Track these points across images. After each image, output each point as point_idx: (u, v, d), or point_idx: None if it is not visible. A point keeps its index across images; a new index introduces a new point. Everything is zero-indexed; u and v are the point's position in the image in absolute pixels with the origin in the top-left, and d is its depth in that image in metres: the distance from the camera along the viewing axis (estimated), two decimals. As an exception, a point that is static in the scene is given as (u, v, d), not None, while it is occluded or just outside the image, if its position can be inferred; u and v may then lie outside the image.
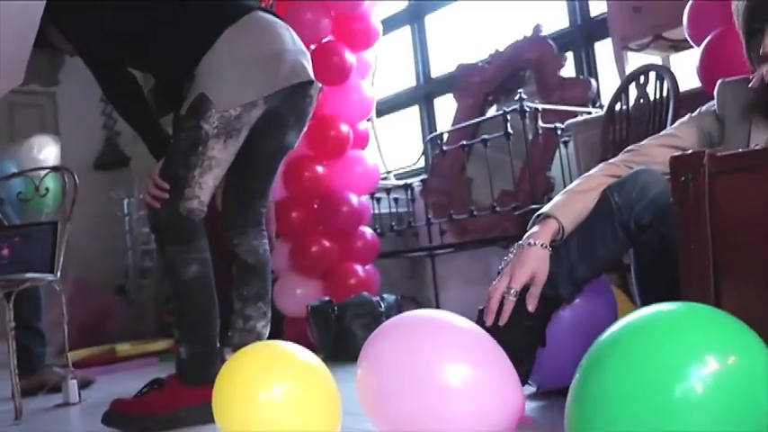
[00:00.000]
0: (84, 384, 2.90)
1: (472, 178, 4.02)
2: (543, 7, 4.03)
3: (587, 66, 3.77)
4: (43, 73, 5.53)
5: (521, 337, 1.35)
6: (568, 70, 3.72)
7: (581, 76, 3.69)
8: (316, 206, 3.55)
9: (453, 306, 4.22)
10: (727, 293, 1.08)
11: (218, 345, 2.04)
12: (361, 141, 3.69)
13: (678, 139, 1.44)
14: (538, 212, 1.44)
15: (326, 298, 3.24)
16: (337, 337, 3.02)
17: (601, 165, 1.49)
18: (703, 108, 1.46)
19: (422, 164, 4.52)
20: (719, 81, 1.44)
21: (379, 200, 4.08)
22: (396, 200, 4.14)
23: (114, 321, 5.13)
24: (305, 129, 2.23)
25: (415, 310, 1.31)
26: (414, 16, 4.69)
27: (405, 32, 4.76)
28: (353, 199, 3.51)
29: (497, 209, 3.33)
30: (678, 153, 1.20)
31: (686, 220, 1.12)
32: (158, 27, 2.05)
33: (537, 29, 3.82)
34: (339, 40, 3.51)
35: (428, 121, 4.62)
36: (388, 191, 3.99)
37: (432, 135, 3.91)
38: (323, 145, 3.52)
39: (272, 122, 2.10)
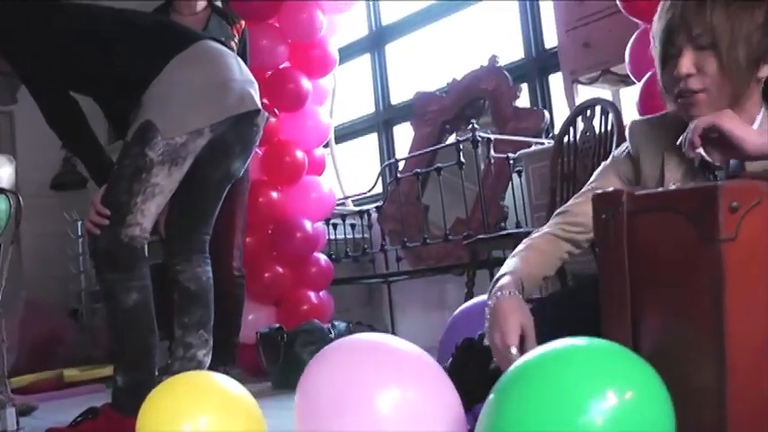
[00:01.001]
0: (24, 411, 2.83)
1: (428, 205, 4.05)
2: (500, 38, 4.10)
3: (541, 97, 3.83)
4: (0, 92, 5.47)
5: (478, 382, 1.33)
6: (523, 101, 3.78)
7: (535, 107, 3.75)
8: (270, 232, 3.54)
9: (409, 332, 4.25)
10: (645, 330, 1.09)
11: (157, 373, 2.02)
12: (317, 167, 3.70)
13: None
14: (497, 275, 1.37)
15: (276, 325, 3.22)
16: (286, 364, 3.00)
17: (538, 234, 1.44)
18: (616, 152, 1.46)
19: (380, 190, 4.54)
20: (631, 121, 1.44)
21: (335, 226, 4.08)
22: (353, 226, 4.15)
23: (66, 346, 5.02)
24: (251, 157, 2.24)
25: (358, 334, 1.30)
26: (374, 44, 4.73)
27: (365, 60, 4.80)
28: (308, 225, 3.51)
29: (450, 237, 3.35)
30: None
31: (606, 257, 1.13)
32: (106, 54, 2.05)
33: (493, 59, 3.88)
34: (296, 67, 3.53)
35: (387, 147, 4.65)
36: (343, 217, 4.00)
37: (387, 163, 3.93)
38: (278, 171, 3.52)
39: (218, 150, 2.10)
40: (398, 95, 4.65)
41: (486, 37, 4.21)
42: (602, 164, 1.47)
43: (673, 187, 1.19)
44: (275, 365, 3.07)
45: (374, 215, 4.11)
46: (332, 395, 1.07)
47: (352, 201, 4.56)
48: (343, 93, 4.66)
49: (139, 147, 1.95)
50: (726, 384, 0.95)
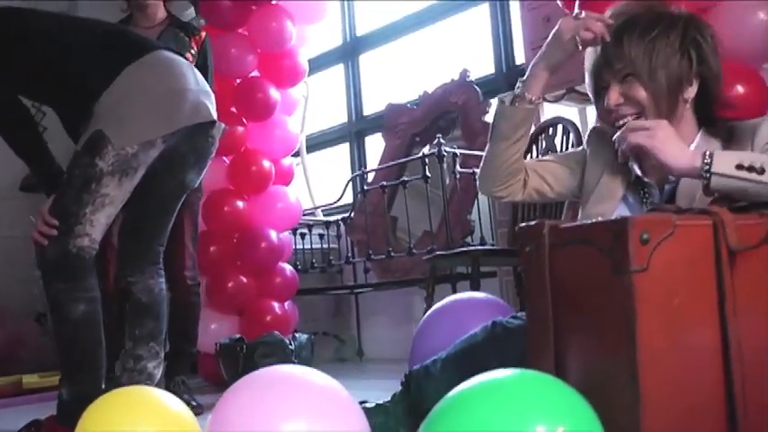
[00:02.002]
0: (-24, 419, 2.79)
1: (397, 217, 4.04)
2: (472, 52, 4.11)
3: (511, 112, 3.84)
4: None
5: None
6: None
7: (503, 123, 3.76)
8: (235, 241, 3.51)
9: (376, 343, 4.24)
10: (567, 360, 1.10)
11: (104, 386, 1.99)
12: (285, 177, 3.69)
13: (548, 162, 1.57)
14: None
15: (237, 336, 3.20)
16: (245, 375, 2.97)
17: None
18: (578, 147, 1.56)
19: (351, 200, 4.53)
20: (591, 128, 1.52)
21: (303, 236, 4.07)
22: (321, 236, 4.14)
23: (30, 351, 4.96)
24: (206, 169, 2.22)
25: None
26: (348, 54, 4.73)
27: (338, 70, 4.79)
28: (273, 235, 3.49)
29: (413, 251, 3.35)
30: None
31: (530, 289, 1.15)
32: (60, 61, 2.03)
33: (464, 74, 3.89)
34: (265, 77, 3.52)
35: (358, 158, 4.65)
36: (310, 227, 3.98)
37: (353, 174, 3.92)
38: (244, 180, 3.50)
39: (172, 161, 2.08)
40: (371, 106, 4.65)
41: (459, 51, 4.23)
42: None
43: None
44: (235, 376, 3.03)
45: (343, 226, 4.11)
46: (242, 424, 1.07)
47: (322, 211, 4.55)
48: (316, 102, 4.66)
49: (89, 157, 1.93)
50: (639, 415, 0.96)
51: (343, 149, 4.77)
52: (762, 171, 1.16)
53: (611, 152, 1.42)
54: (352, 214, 4.07)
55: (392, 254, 3.50)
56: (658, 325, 0.98)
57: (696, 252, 1.03)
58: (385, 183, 3.58)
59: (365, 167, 4.48)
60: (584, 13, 1.35)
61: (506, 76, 3.85)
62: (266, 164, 3.51)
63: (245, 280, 3.47)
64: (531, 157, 2.78)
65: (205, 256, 3.47)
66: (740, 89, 2.01)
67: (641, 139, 1.23)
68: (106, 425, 1.36)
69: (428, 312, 1.80)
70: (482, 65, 4.02)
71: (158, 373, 2.14)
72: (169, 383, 2.73)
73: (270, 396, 1.12)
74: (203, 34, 2.82)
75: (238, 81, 3.51)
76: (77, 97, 2.02)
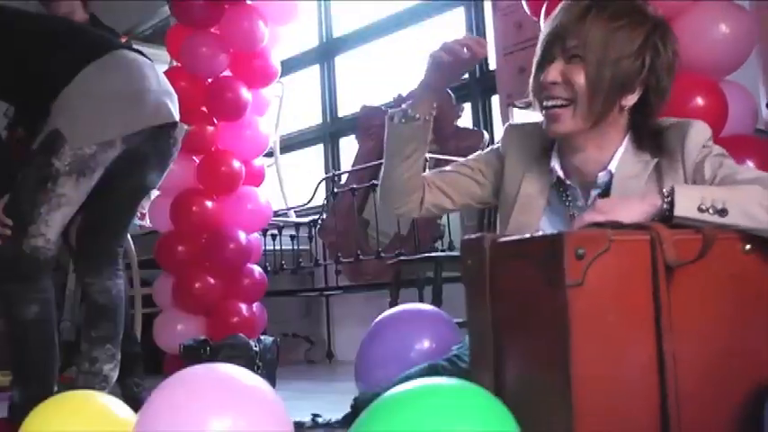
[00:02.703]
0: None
1: (369, 220, 4.04)
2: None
3: (483, 117, 3.86)
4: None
5: None
6: (466, 120, 3.80)
7: (476, 128, 3.77)
8: (203, 242, 3.48)
9: (346, 346, 4.23)
10: (506, 373, 1.09)
11: (56, 388, 1.97)
12: (256, 178, 3.66)
13: (465, 168, 1.49)
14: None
15: (202, 337, 3.17)
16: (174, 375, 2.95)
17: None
18: (493, 146, 1.49)
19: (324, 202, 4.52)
20: (507, 124, 1.47)
21: (274, 237, 4.05)
22: (292, 237, 4.12)
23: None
24: (167, 170, 2.20)
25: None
26: (324, 55, 4.72)
27: (314, 71, 4.78)
28: (242, 236, 3.46)
29: (381, 255, 3.35)
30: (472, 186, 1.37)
31: (471, 303, 1.15)
32: (19, 57, 2.00)
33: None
34: (236, 76, 3.49)
35: (332, 159, 4.64)
36: (280, 229, 3.97)
37: (324, 177, 3.91)
38: (214, 180, 3.46)
39: (133, 162, 2.06)
40: (346, 108, 4.64)
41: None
42: (479, 152, 1.52)
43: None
44: (198, 378, 3.02)
45: (316, 227, 4.10)
46: (167, 424, 1.06)
47: (295, 212, 4.53)
48: (292, 102, 4.64)
49: (45, 156, 1.91)
50: (573, 429, 0.95)
51: (318, 150, 4.76)
52: (723, 212, 1.11)
53: (530, 149, 1.39)
54: (324, 216, 4.06)
55: (360, 257, 3.49)
56: (593, 340, 0.98)
57: (633, 267, 1.03)
58: (355, 186, 3.57)
59: (339, 169, 4.47)
60: (461, 36, 1.30)
61: (480, 81, 3.86)
62: (236, 164, 3.47)
63: (212, 281, 3.44)
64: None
65: (172, 257, 3.45)
66: (700, 101, 2.02)
67: (590, 218, 1.13)
68: (47, 429, 1.34)
69: (373, 323, 1.79)
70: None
71: (115, 375, 2.13)
72: (125, 386, 2.69)
73: (195, 395, 1.10)
74: (124, 39, 2.79)
75: (209, 80, 3.47)
76: (36, 96, 2.00)
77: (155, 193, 3.50)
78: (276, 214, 4.65)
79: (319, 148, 4.75)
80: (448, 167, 1.51)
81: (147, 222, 3.98)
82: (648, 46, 1.25)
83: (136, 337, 3.05)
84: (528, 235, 1.08)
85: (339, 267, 3.88)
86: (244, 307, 3.51)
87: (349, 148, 4.55)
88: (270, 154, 4.64)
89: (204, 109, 3.48)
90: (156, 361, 3.58)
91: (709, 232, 1.06)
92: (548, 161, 1.36)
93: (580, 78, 1.22)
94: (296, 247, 4.08)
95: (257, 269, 3.66)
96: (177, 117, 2.11)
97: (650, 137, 1.31)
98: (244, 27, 3.34)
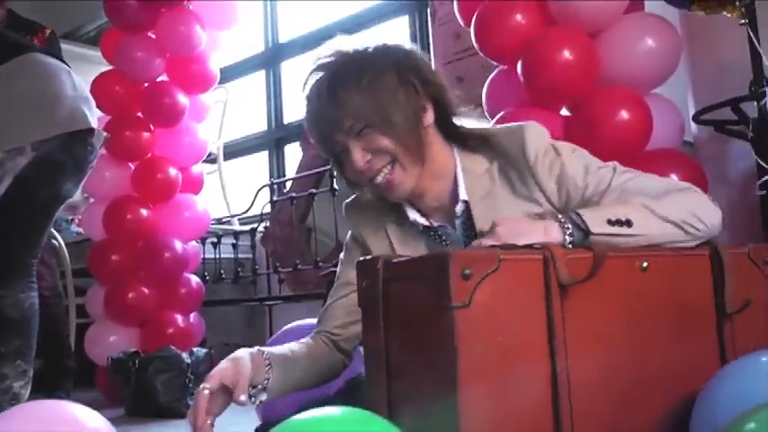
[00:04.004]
0: None
1: (312, 228, 3.98)
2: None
3: (427, 126, 3.83)
4: None
5: None
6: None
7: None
8: (138, 250, 3.39)
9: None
10: (401, 399, 1.06)
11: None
12: (194, 185, 3.58)
13: (348, 286, 1.35)
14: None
15: (132, 349, 3.09)
16: (138, 391, 2.87)
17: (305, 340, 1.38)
18: (347, 240, 1.41)
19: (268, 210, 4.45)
20: (346, 204, 1.40)
21: (215, 245, 3.97)
22: (234, 246, 4.05)
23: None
24: (84, 179, 2.12)
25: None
26: (269, 61, 4.66)
27: (260, 76, 4.72)
28: (178, 245, 3.38)
29: (319, 264, 3.30)
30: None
31: (366, 324, 1.11)
32: None
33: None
34: (173, 82, 3.42)
35: (277, 166, 4.57)
36: (219, 237, 3.89)
37: (263, 185, 3.85)
38: (149, 187, 3.38)
39: (46, 169, 1.98)
40: (292, 114, 4.58)
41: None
42: (340, 256, 1.43)
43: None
44: (127, 392, 2.93)
45: (258, 235, 4.02)
46: None
47: (239, 220, 4.45)
48: (236, 108, 4.57)
49: (-51, 163, 1.82)
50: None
51: (263, 157, 4.69)
52: (629, 223, 1.10)
53: (379, 212, 1.34)
54: (266, 224, 4.00)
55: (299, 266, 3.44)
56: (482, 362, 0.95)
57: (525, 287, 1.00)
58: (294, 194, 3.52)
59: (284, 176, 4.41)
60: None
61: (423, 90, 3.83)
62: (173, 171, 3.40)
63: (146, 291, 3.35)
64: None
65: (105, 266, 3.35)
66: (624, 115, 2.03)
67: (489, 242, 1.08)
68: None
69: (271, 338, 1.75)
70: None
71: (26, 393, 2.03)
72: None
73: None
74: (48, 31, 2.70)
75: (145, 85, 3.39)
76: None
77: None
78: (219, 222, 4.58)
79: (264, 154, 4.68)
80: (329, 300, 1.40)
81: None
82: (404, 70, 1.22)
83: (70, 349, 2.95)
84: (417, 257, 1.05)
85: (282, 276, 3.82)
86: (180, 317, 3.43)
87: (295, 155, 4.50)
88: (213, 160, 4.57)
89: (140, 114, 3.40)
90: (90, 374, 3.48)
91: (600, 250, 1.03)
92: (405, 215, 1.31)
93: (383, 141, 1.19)
94: (239, 256, 4.00)
95: (194, 278, 3.58)
96: (94, 123, 2.03)
97: (478, 145, 1.28)
98: (180, 31, 3.27)
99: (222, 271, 3.90)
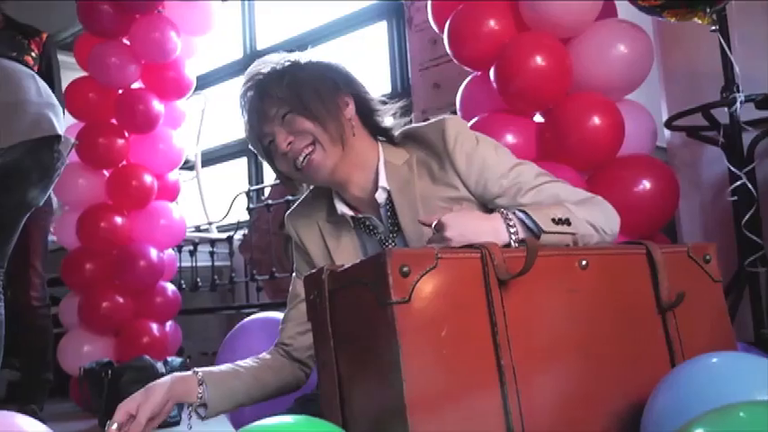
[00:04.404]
0: None
1: (289, 236, 3.95)
2: (371, 70, 4.08)
3: (405, 132, 3.82)
4: None
5: None
6: (388, 135, 3.75)
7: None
8: (113, 259, 3.35)
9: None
10: (353, 406, 1.04)
11: None
12: (170, 193, 3.55)
13: (297, 297, 1.39)
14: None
15: (105, 359, 3.04)
16: (111, 402, 2.82)
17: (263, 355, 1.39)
18: (295, 254, 1.44)
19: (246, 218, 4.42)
20: (287, 215, 1.44)
21: (192, 253, 3.93)
22: (212, 254, 4.01)
23: None
24: (52, 186, 2.09)
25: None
26: (248, 68, 4.62)
27: (238, 83, 4.67)
28: (153, 253, 3.35)
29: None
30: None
31: (316, 335, 1.10)
32: None
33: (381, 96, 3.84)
34: (149, 88, 3.39)
35: (256, 174, 4.54)
36: (195, 245, 3.85)
37: (240, 192, 3.82)
38: (124, 195, 3.35)
39: (11, 177, 1.95)
40: (270, 121, 4.55)
41: (358, 68, 4.18)
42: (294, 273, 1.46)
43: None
44: (99, 403, 2.89)
45: (236, 243, 3.99)
46: None
47: (217, 227, 4.42)
48: (215, 115, 4.54)
49: None
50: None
51: (242, 164, 4.66)
52: (568, 222, 1.14)
53: (314, 217, 1.38)
54: (245, 232, 3.96)
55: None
56: (425, 356, 0.94)
57: (465, 283, 0.99)
58: (271, 201, 3.49)
59: (263, 183, 4.38)
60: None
61: (401, 96, 3.82)
62: (148, 178, 3.36)
63: (121, 300, 3.31)
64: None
65: (79, 275, 3.31)
66: (597, 121, 2.02)
67: (452, 233, 1.09)
68: None
69: (228, 334, 1.75)
70: (380, 83, 3.98)
71: (-10, 403, 2.00)
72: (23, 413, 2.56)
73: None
74: (45, 35, 2.68)
75: (120, 91, 3.36)
76: None
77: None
78: (198, 229, 4.55)
79: (243, 161, 4.65)
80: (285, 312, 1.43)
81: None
82: (326, 74, 1.29)
83: (49, 362, 2.89)
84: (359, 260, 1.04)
85: (260, 284, 3.79)
86: (155, 326, 3.40)
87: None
88: (191, 168, 4.54)
89: (114, 121, 3.36)
90: (64, 385, 3.44)
91: (532, 243, 1.03)
92: (335, 209, 1.35)
93: (305, 123, 1.25)
94: (217, 264, 3.97)
95: (171, 287, 3.54)
96: (61, 130, 2.00)
97: (403, 140, 1.33)
98: (155, 37, 3.24)
99: (198, 279, 3.86)
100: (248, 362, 1.36)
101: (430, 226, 1.12)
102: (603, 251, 1.13)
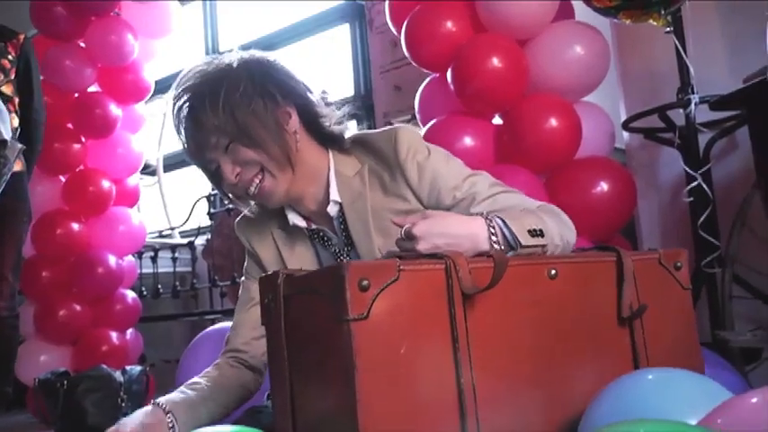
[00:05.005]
0: None
1: (253, 241, 3.91)
2: (334, 73, 4.06)
3: (369, 135, 3.80)
4: None
5: None
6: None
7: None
8: (70, 266, 3.27)
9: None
10: (301, 411, 1.01)
11: None
12: (129, 198, 3.48)
13: (250, 301, 1.35)
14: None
15: (61, 369, 2.97)
16: (67, 413, 2.75)
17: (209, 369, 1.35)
18: (246, 264, 1.41)
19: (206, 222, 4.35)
20: (236, 223, 1.40)
21: (153, 259, 3.86)
22: (174, 260, 3.94)
23: None
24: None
25: None
26: (210, 71, 4.57)
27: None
28: (111, 260, 3.28)
29: (258, 277, 3.23)
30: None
31: (271, 340, 1.06)
32: None
33: (323, 95, 3.80)
34: (106, 92, 3.32)
35: (219, 178, 4.48)
36: (156, 251, 3.79)
37: (201, 197, 3.76)
38: (81, 201, 3.28)
39: (-44, 184, 1.89)
40: (234, 125, 4.50)
41: (321, 71, 4.16)
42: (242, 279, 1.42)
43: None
44: (55, 414, 2.81)
45: (199, 249, 3.93)
46: None
47: (180, 233, 4.35)
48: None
49: None
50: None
51: (205, 168, 4.59)
52: (542, 233, 1.10)
53: (266, 223, 1.36)
54: (208, 237, 3.90)
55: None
56: (382, 376, 0.90)
57: (427, 297, 0.95)
58: (231, 206, 3.44)
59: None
60: None
61: (364, 99, 3.80)
62: (106, 184, 3.30)
63: (78, 308, 3.24)
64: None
65: (35, 283, 3.23)
66: (553, 122, 2.01)
67: (424, 246, 1.04)
68: None
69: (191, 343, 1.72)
70: (343, 86, 3.95)
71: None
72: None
73: None
74: (21, 36, 2.61)
75: (76, 95, 3.29)
76: None
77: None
78: (161, 235, 4.47)
79: (206, 165, 4.58)
80: (234, 318, 1.39)
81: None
82: (259, 81, 1.23)
83: (10, 374, 2.82)
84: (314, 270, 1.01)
85: (224, 290, 3.73)
86: (114, 335, 3.33)
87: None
88: (153, 173, 4.46)
89: (70, 126, 3.29)
90: (21, 395, 3.35)
91: (500, 258, 1.00)
92: (288, 222, 1.32)
93: (248, 153, 1.21)
94: (175, 270, 3.90)
95: (131, 294, 3.48)
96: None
97: (354, 148, 1.30)
98: (111, 40, 3.19)
99: (160, 286, 3.80)
100: (203, 381, 1.30)
101: (401, 227, 1.07)
102: (573, 259, 1.11)
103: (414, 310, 0.94)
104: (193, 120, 1.21)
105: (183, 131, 1.25)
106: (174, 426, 1.20)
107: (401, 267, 0.93)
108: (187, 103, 1.22)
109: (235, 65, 1.25)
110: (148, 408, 1.21)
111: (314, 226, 1.32)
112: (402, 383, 0.92)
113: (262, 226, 1.36)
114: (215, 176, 1.26)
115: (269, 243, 1.34)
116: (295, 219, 1.31)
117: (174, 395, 1.26)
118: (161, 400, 1.23)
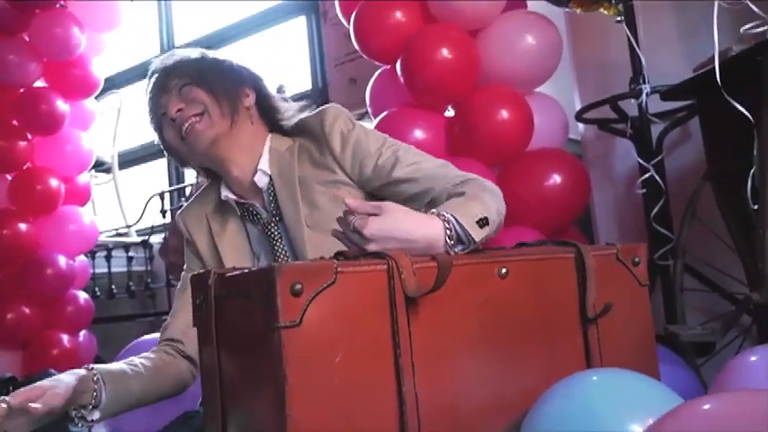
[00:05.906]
0: None
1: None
2: (291, 67, 3.99)
3: (326, 129, 3.74)
4: None
5: None
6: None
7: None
8: (18, 268, 3.17)
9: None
10: (235, 419, 0.96)
11: None
12: (79, 197, 3.38)
13: (187, 291, 1.25)
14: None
15: (8, 374, 2.86)
16: (14, 420, 2.67)
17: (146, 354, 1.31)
18: (185, 264, 1.41)
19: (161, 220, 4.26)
20: (178, 213, 1.42)
21: (108, 259, 3.77)
22: (129, 259, 3.85)
23: None
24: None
25: None
26: (166, 65, 4.48)
27: (156, 81, 4.53)
28: (61, 260, 3.18)
29: (213, 276, 3.16)
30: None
31: (201, 344, 1.00)
32: None
33: (280, 89, 3.73)
34: (52, 87, 3.21)
35: (176, 174, 4.39)
36: (109, 250, 3.69)
37: (153, 194, 3.67)
38: (29, 200, 3.17)
39: None
40: (190, 120, 4.41)
41: (278, 65, 4.09)
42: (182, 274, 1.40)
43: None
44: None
45: (156, 246, 3.84)
46: None
47: (136, 231, 4.25)
48: (131, 115, 4.37)
49: None
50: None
51: (162, 165, 4.50)
52: (486, 221, 1.06)
53: (208, 203, 1.38)
54: (166, 235, 3.81)
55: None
56: (315, 387, 0.85)
57: (366, 301, 0.90)
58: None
59: (183, 183, 4.23)
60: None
61: (321, 93, 3.74)
62: (54, 182, 3.19)
63: (28, 310, 3.14)
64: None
65: (-19, 285, 3.12)
66: (505, 114, 1.98)
67: (374, 249, 0.97)
68: None
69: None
70: (300, 80, 3.89)
71: None
72: None
73: None
74: None
75: (21, 91, 3.18)
76: None
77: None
78: (118, 233, 4.37)
79: (163, 162, 4.49)
80: (171, 310, 1.37)
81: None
82: (231, 63, 1.35)
83: None
84: (246, 269, 0.95)
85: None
86: (66, 337, 3.23)
87: (194, 162, 4.32)
88: (108, 170, 4.36)
89: (15, 122, 3.18)
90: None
91: (443, 258, 0.95)
92: (221, 203, 1.35)
93: (200, 94, 1.28)
94: (130, 269, 3.81)
95: (83, 295, 3.38)
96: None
97: (291, 130, 1.35)
98: (56, 33, 3.08)
99: (114, 286, 3.71)
100: (138, 360, 1.27)
101: (352, 214, 1.00)
102: (526, 257, 1.05)
103: (352, 315, 0.89)
104: (164, 71, 1.30)
105: (150, 91, 1.32)
106: (98, 396, 1.16)
107: (339, 269, 0.88)
108: (160, 71, 1.31)
109: (212, 53, 1.37)
110: (80, 370, 1.17)
111: (244, 200, 1.33)
112: (338, 394, 0.87)
113: (198, 210, 1.39)
114: (161, 126, 1.31)
115: (203, 227, 1.36)
116: (227, 192, 1.33)
117: (112, 366, 1.23)
118: (95, 366, 1.19)
